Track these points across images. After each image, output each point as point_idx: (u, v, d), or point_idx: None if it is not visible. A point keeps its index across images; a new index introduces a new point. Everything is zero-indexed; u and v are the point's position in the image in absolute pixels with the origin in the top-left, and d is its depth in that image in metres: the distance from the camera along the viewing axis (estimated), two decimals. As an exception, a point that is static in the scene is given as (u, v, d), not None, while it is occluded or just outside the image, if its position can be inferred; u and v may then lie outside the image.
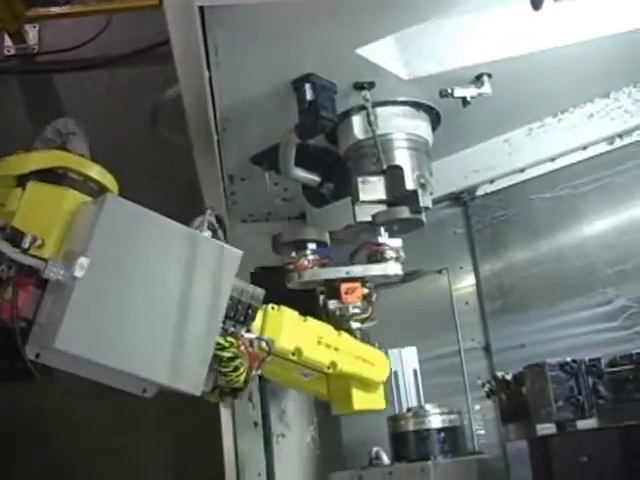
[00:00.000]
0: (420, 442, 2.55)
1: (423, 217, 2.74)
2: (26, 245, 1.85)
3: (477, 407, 3.10)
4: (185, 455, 3.82)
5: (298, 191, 3.17)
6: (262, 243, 3.58)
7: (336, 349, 2.44)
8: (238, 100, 2.65)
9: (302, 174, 2.96)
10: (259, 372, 2.15)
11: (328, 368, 2.42)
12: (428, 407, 2.63)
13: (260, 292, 2.19)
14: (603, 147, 3.01)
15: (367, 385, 2.55)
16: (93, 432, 3.85)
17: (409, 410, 2.67)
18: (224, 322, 2.07)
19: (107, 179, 2.19)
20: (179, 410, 3.81)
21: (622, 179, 2.95)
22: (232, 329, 2.09)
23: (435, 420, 2.58)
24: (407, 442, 2.59)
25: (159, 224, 2.00)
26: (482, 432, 3.09)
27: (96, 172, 2.15)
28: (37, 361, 1.86)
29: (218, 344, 2.04)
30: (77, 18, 4.58)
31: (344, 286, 2.69)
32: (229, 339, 2.05)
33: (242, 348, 2.08)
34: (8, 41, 4.65)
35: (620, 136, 2.98)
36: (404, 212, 2.69)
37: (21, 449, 3.82)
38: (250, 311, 2.14)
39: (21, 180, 2.07)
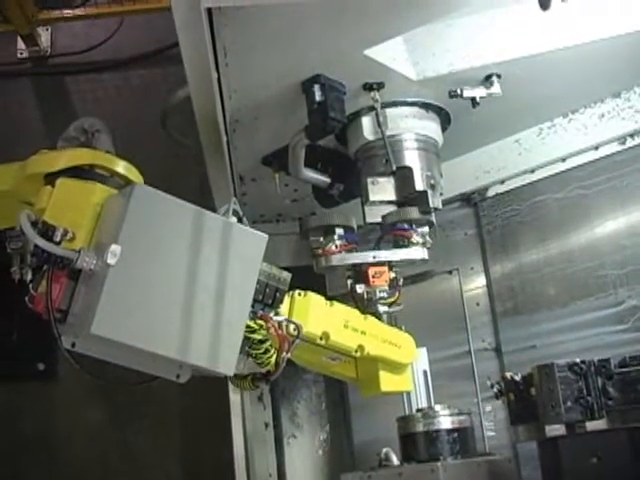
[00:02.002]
0: (430, 443, 2.54)
1: (433, 218, 2.75)
2: (58, 238, 1.90)
3: (488, 408, 3.10)
4: (196, 455, 3.83)
5: (308, 192, 3.17)
6: (273, 244, 3.59)
7: (363, 333, 2.45)
8: (247, 101, 2.65)
9: (312, 175, 2.96)
10: (289, 355, 2.14)
11: (356, 352, 2.43)
12: (438, 408, 2.62)
13: (287, 276, 2.20)
14: (614, 147, 3.00)
15: (394, 367, 2.56)
16: (101, 432, 3.86)
17: (419, 411, 2.66)
18: (253, 305, 2.09)
19: (133, 173, 2.24)
20: (189, 410, 3.82)
21: (634, 179, 2.94)
22: (261, 312, 2.11)
23: (445, 421, 2.57)
24: (416, 443, 2.58)
25: (186, 211, 2.03)
26: (493, 433, 3.08)
27: (122, 167, 2.21)
28: (73, 350, 1.89)
29: (248, 327, 2.05)
30: (89, 21, 4.60)
31: (372, 270, 2.70)
32: (258, 322, 2.08)
33: (271, 330, 2.10)
34: (21, 44, 4.67)
35: (632, 136, 2.97)
36: (413, 213, 2.69)
37: (29, 449, 3.84)
38: (278, 294, 2.16)
39: (49, 178, 2.13)
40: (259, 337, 2.07)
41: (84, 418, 3.87)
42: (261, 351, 2.09)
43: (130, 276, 1.89)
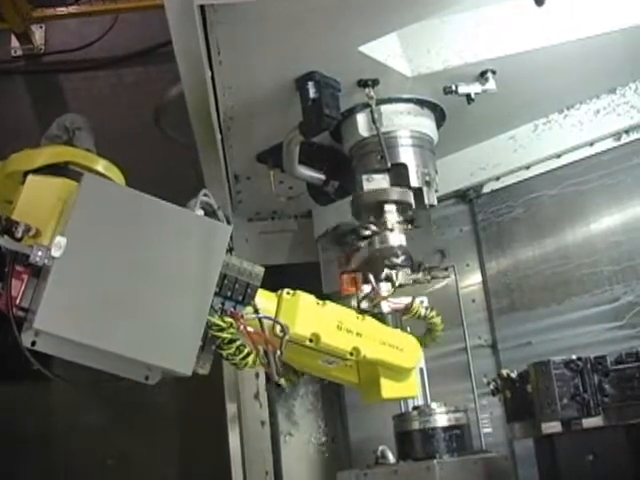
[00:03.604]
0: (426, 441, 2.53)
1: (412, 199, 2.69)
2: (19, 234, 1.84)
3: (484, 405, 3.09)
4: (191, 455, 3.83)
5: (303, 189, 3.17)
6: (268, 241, 3.60)
7: (358, 334, 2.30)
8: (242, 99, 2.65)
9: (306, 172, 2.95)
10: (278, 353, 2.06)
11: (351, 354, 2.28)
12: (434, 405, 2.61)
13: (259, 270, 2.09)
14: (609, 143, 3.00)
15: (397, 372, 2.45)
16: (97, 433, 3.85)
17: (415, 409, 2.65)
18: (223, 303, 2.01)
19: (113, 172, 2.22)
20: (185, 410, 3.81)
21: (629, 175, 2.94)
22: (231, 310, 2.02)
23: (441, 419, 2.56)
24: (413, 441, 2.57)
25: (141, 201, 1.97)
26: (489, 431, 3.08)
27: (102, 165, 2.19)
28: (33, 349, 1.86)
29: (216, 325, 1.97)
30: (83, 18, 4.58)
31: None
32: (227, 319, 1.99)
33: (241, 328, 2.01)
34: (15, 42, 4.66)
35: (627, 132, 2.97)
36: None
37: (26, 449, 3.83)
38: (249, 290, 2.05)
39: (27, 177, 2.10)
40: (228, 336, 1.99)
41: (80, 419, 3.86)
42: (231, 351, 2.01)
43: (78, 269, 1.85)
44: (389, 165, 2.66)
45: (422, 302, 2.56)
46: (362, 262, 2.67)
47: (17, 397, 3.88)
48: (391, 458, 2.60)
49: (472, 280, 3.29)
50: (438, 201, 2.79)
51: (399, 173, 2.70)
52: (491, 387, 2.43)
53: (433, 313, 2.54)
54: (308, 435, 3.61)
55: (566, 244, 3.06)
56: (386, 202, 2.65)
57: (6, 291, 1.84)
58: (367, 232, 2.64)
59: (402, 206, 2.69)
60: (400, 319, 2.62)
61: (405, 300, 2.53)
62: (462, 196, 3.34)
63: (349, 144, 2.84)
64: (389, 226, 2.62)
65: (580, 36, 2.57)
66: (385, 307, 2.57)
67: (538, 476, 2.29)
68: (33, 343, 1.85)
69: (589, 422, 2.13)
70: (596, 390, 2.13)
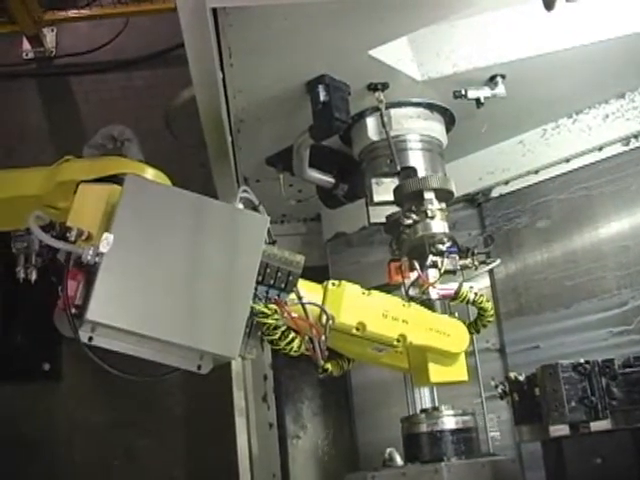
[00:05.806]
0: (433, 443, 2.53)
1: (453, 187, 2.67)
2: (72, 238, 1.97)
3: (491, 409, 3.09)
4: (200, 456, 3.83)
5: (312, 193, 3.18)
6: (277, 245, 3.60)
7: (404, 321, 2.33)
8: (252, 101, 2.66)
9: (316, 175, 2.97)
10: (323, 338, 2.15)
11: (398, 341, 2.32)
12: (442, 408, 2.61)
13: (300, 259, 2.17)
14: (618, 148, 3.00)
15: (445, 357, 2.48)
16: (104, 433, 3.86)
17: (423, 411, 2.66)
18: (267, 291, 2.10)
19: (162, 178, 2.32)
20: (194, 411, 3.82)
21: (637, 180, 2.94)
22: (275, 297, 2.11)
23: (449, 421, 2.56)
24: (420, 443, 2.56)
25: (183, 198, 2.08)
26: (496, 434, 3.08)
27: (151, 174, 2.30)
28: (90, 344, 1.94)
29: (261, 312, 2.06)
30: (94, 22, 4.61)
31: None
32: (271, 307, 2.07)
33: (285, 315, 2.09)
34: (26, 44, 4.69)
35: (636, 137, 2.97)
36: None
37: (31, 450, 3.84)
38: (291, 278, 2.14)
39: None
40: (273, 322, 2.07)
41: (87, 418, 3.87)
42: (276, 337, 2.10)
43: (126, 263, 1.95)
44: (399, 169, 2.67)
45: (471, 288, 2.54)
46: (408, 250, 2.66)
47: (21, 397, 3.90)
48: (399, 460, 2.60)
49: (480, 284, 3.27)
50: (447, 205, 2.78)
51: (408, 177, 2.71)
52: (499, 390, 2.43)
53: (482, 298, 2.53)
54: (315, 438, 3.62)
55: (574, 248, 3.06)
56: (425, 190, 2.62)
57: (64, 290, 1.93)
58: (409, 221, 2.64)
59: (442, 194, 2.66)
60: (449, 305, 2.62)
61: (453, 286, 2.54)
62: (471, 200, 3.34)
63: (359, 148, 2.85)
64: (429, 214, 2.60)
65: (589, 41, 2.58)
66: (433, 294, 2.57)
67: (545, 479, 2.29)
68: (90, 339, 1.95)
69: (597, 425, 2.13)
70: (604, 393, 2.13)
